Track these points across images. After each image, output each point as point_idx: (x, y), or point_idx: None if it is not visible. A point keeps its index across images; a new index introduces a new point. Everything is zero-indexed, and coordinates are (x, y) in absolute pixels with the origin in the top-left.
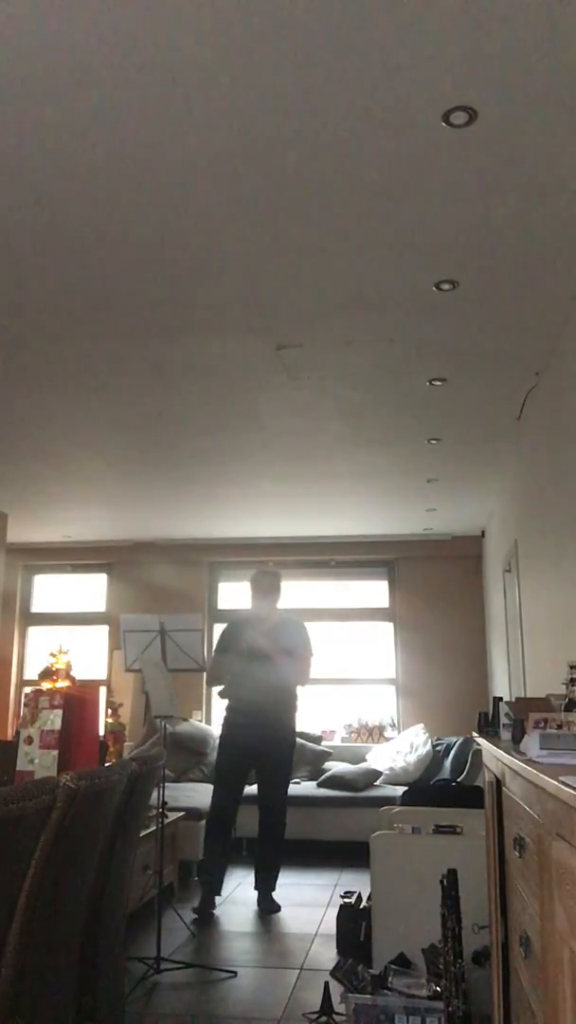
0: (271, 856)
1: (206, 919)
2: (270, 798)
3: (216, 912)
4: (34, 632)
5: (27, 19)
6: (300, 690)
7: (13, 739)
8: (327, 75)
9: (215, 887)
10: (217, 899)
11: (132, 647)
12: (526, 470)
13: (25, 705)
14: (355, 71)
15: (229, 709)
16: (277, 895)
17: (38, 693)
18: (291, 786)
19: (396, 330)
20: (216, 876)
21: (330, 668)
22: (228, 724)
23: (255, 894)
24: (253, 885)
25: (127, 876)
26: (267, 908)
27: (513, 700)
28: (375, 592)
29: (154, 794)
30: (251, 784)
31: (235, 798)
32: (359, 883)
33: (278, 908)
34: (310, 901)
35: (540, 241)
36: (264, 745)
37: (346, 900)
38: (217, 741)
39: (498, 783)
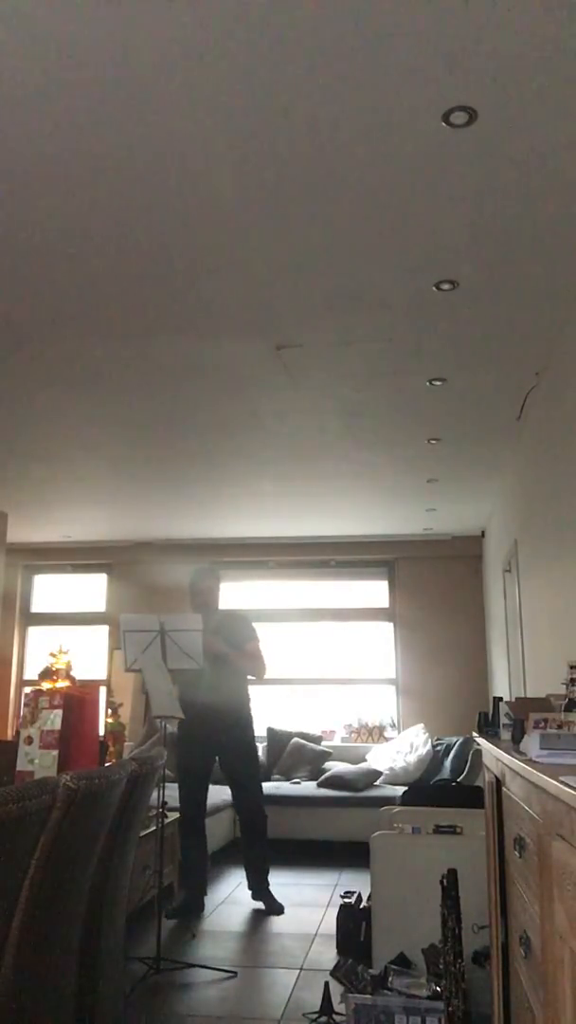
0: (254, 852)
1: (187, 917)
2: (241, 798)
3: (205, 912)
4: (34, 632)
5: (24, 18)
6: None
7: (13, 739)
8: (327, 75)
9: (199, 887)
10: (212, 899)
11: (132, 647)
12: (526, 470)
13: (25, 705)
14: (355, 71)
15: (182, 707)
16: (278, 895)
17: (38, 693)
18: (291, 786)
19: (396, 330)
20: (198, 876)
21: (330, 668)
22: (182, 724)
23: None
24: (246, 884)
25: (127, 876)
26: (270, 909)
27: (513, 700)
28: (375, 592)
29: (154, 794)
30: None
31: (201, 795)
32: (359, 883)
33: (281, 910)
34: (310, 901)
35: (540, 241)
36: (221, 743)
37: (346, 900)
38: None
39: (498, 783)
